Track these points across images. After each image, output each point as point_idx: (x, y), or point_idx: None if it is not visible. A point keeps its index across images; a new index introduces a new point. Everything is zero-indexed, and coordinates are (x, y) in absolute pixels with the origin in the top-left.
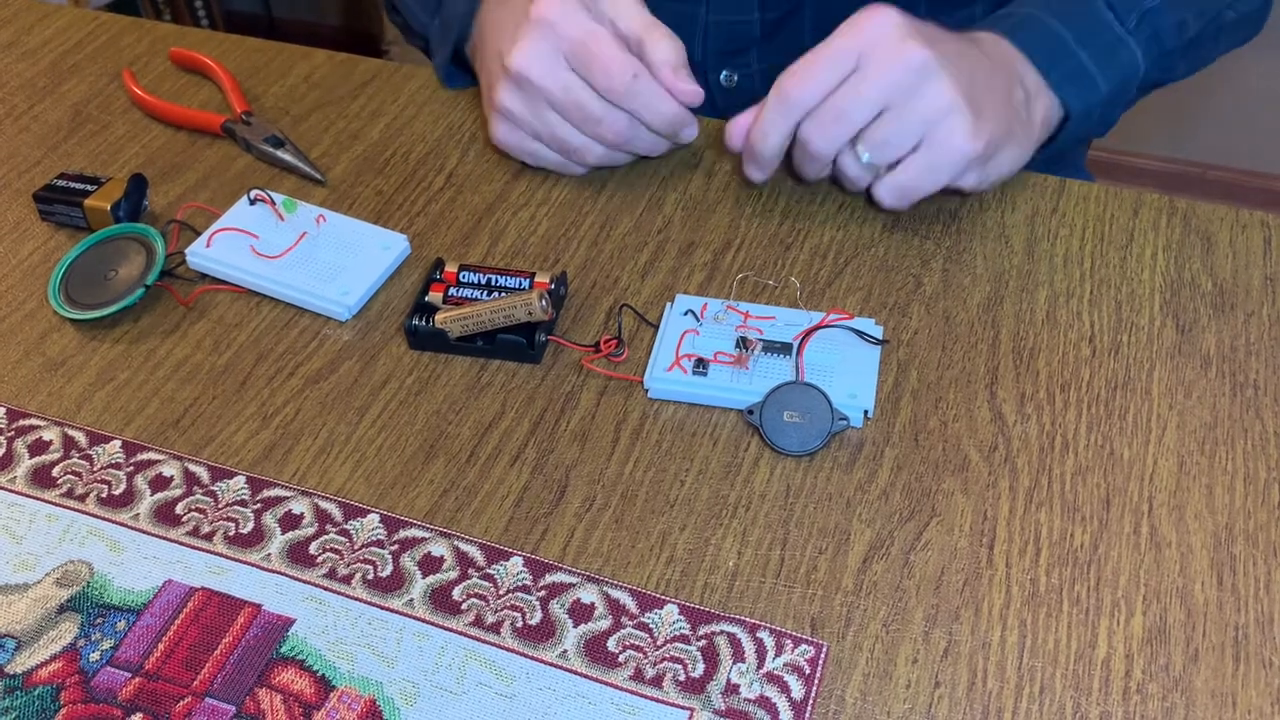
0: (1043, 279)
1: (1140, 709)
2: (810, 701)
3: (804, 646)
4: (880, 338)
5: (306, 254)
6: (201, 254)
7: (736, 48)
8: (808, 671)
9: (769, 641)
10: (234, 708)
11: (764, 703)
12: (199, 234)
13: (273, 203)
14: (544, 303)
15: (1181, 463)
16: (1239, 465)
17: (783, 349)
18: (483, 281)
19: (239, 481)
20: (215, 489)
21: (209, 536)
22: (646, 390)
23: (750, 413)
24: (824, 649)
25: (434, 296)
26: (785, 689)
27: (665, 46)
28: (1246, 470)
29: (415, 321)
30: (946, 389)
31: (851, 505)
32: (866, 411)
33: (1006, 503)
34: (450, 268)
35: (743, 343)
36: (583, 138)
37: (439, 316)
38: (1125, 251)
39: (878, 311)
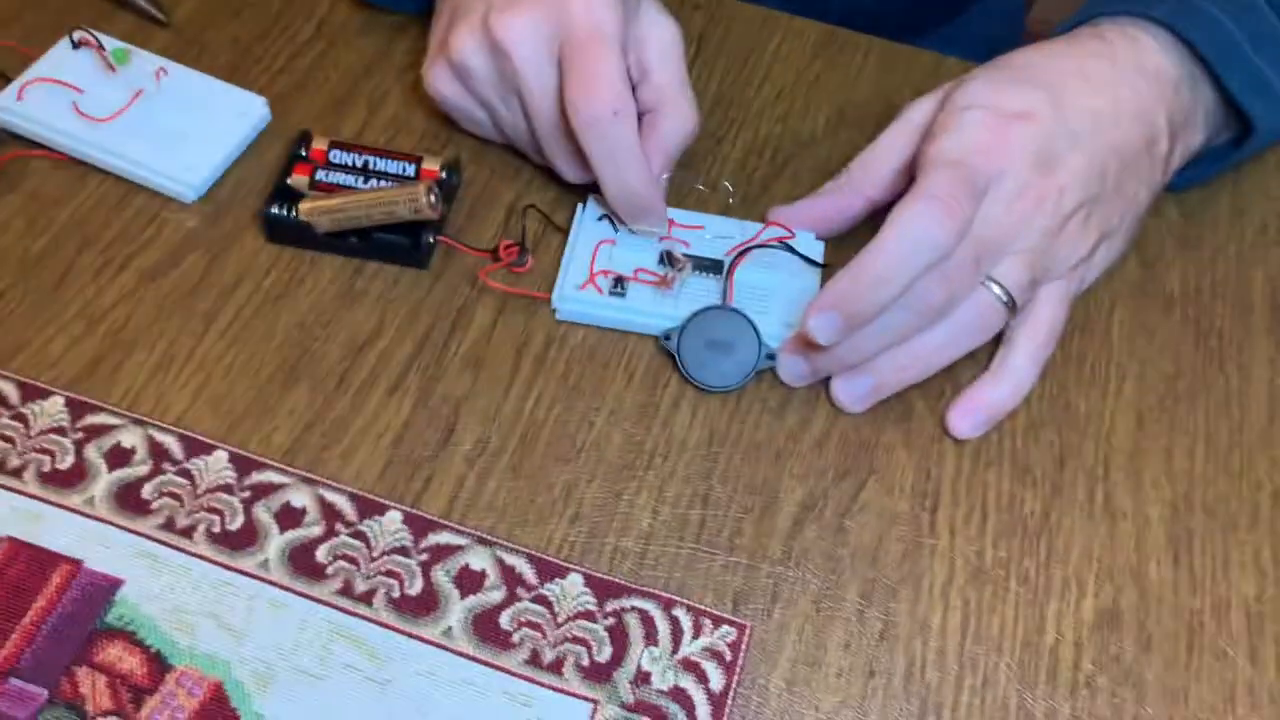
0: None
1: (1089, 705)
2: (730, 693)
3: (725, 628)
4: (821, 261)
5: (143, 116)
6: (11, 109)
7: None
8: (729, 658)
9: (686, 621)
10: (45, 691)
11: (678, 695)
12: (9, 81)
13: (101, 48)
14: (432, 198)
15: (1140, 420)
16: (1200, 425)
17: (712, 267)
18: (358, 164)
19: (56, 403)
20: (26, 412)
21: (17, 472)
22: (554, 310)
23: (667, 338)
24: (747, 630)
25: (298, 180)
26: (703, 678)
27: (686, 117)
28: (1208, 431)
29: (275, 210)
30: None
31: (782, 458)
32: None
33: (952, 461)
34: (319, 144)
35: (668, 258)
36: (531, 138)
37: (304, 206)
38: None
39: None
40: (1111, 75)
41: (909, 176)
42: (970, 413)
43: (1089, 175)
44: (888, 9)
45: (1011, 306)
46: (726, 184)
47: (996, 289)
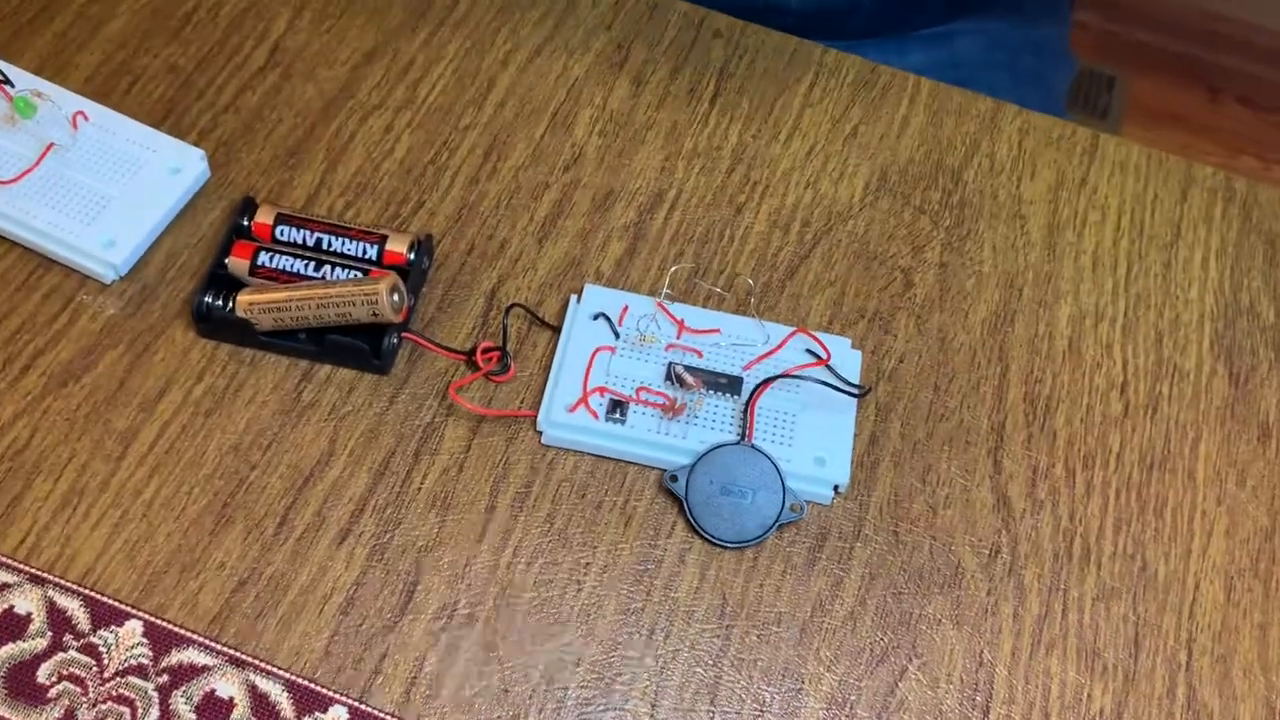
0: (1066, 287)
1: None
2: None
3: None
4: (859, 386)
5: (56, 175)
6: None
7: None
8: None
9: None
10: None
11: None
12: None
13: (6, 83)
14: (395, 298)
15: (1230, 588)
16: None
17: (729, 385)
18: (310, 243)
19: None
20: None
21: None
22: (539, 433)
23: (674, 479)
24: None
25: (237, 263)
26: None
27: None
28: None
29: (207, 299)
30: (939, 453)
31: (807, 635)
32: (838, 486)
33: (1009, 640)
34: (264, 215)
35: (677, 379)
36: None
37: (242, 299)
38: (1170, 253)
39: (853, 323)
40: None
41: None
42: None
43: None
44: None
45: None
46: (749, 280)
47: None
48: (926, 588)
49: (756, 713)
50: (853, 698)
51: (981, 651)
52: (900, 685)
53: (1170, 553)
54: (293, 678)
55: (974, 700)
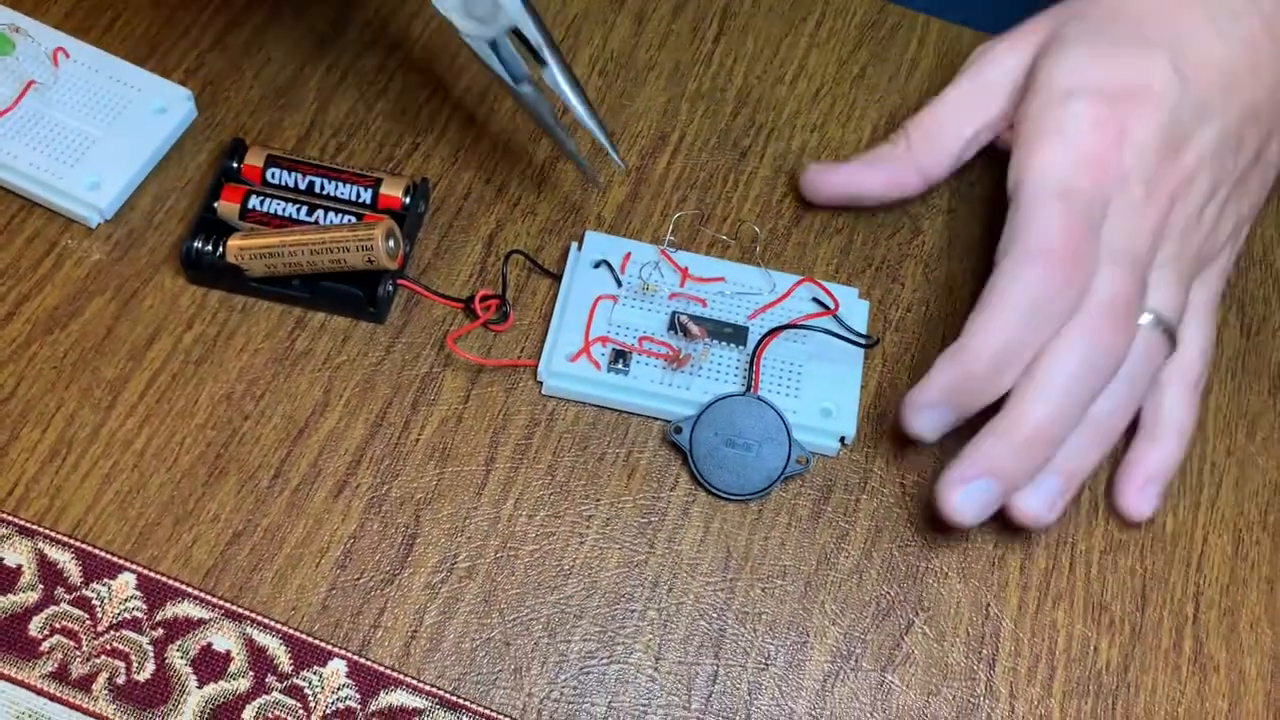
0: None
1: None
2: None
3: None
4: (867, 335)
5: (37, 115)
6: None
7: None
8: None
9: None
10: None
11: None
12: None
13: None
14: (391, 244)
15: (1238, 542)
16: None
17: (733, 335)
18: (302, 186)
19: None
20: None
21: None
22: (540, 383)
23: (678, 431)
24: None
25: (227, 207)
26: None
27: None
28: None
29: (197, 244)
30: None
31: (812, 588)
32: (844, 438)
33: (1015, 593)
34: (253, 158)
35: (681, 328)
36: None
37: (233, 245)
38: None
39: (860, 271)
40: (1242, 3)
41: (978, 148)
42: (1144, 489)
43: (1222, 152)
44: None
45: (1170, 334)
46: (755, 227)
47: (1151, 317)
48: (933, 540)
49: (761, 666)
50: (858, 651)
51: (988, 604)
52: (906, 639)
53: (1179, 505)
54: (291, 631)
55: (980, 653)
